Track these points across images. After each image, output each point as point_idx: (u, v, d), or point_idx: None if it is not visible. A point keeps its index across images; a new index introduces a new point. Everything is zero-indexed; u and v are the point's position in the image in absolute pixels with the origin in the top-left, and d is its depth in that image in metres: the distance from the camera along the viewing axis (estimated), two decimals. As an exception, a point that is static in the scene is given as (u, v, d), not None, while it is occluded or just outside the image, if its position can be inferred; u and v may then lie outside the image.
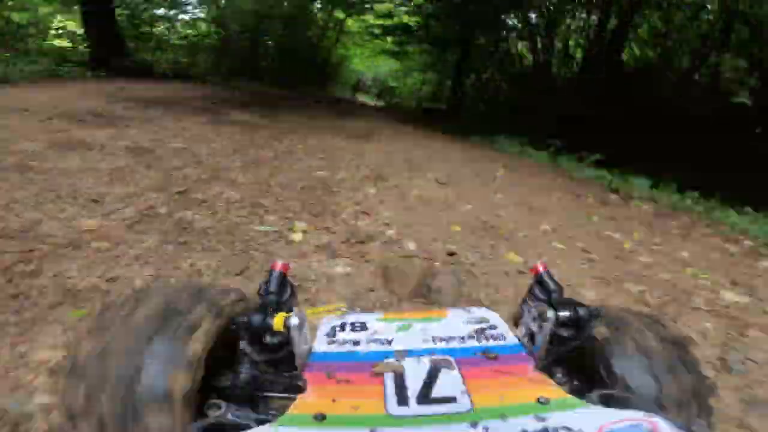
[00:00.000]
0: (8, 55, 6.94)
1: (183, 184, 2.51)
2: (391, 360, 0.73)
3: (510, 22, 10.62)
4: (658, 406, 0.66)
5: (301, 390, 0.67)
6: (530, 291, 0.92)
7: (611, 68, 7.87)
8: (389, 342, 0.80)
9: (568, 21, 9.47)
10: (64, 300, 1.33)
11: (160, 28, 12.06)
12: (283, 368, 0.75)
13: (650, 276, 2.20)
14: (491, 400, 0.63)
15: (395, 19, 13.82)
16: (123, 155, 2.86)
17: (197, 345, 0.63)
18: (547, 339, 0.76)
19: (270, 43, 14.28)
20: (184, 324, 0.64)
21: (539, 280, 0.94)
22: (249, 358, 0.75)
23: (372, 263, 1.87)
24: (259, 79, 12.26)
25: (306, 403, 0.63)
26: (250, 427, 0.56)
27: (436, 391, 0.65)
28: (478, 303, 1.66)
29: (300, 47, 14.35)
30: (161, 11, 11.90)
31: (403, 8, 13.45)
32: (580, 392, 0.67)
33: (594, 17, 8.63)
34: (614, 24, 8.03)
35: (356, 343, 0.80)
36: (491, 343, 0.80)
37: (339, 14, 15.48)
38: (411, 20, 13.40)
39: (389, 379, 0.68)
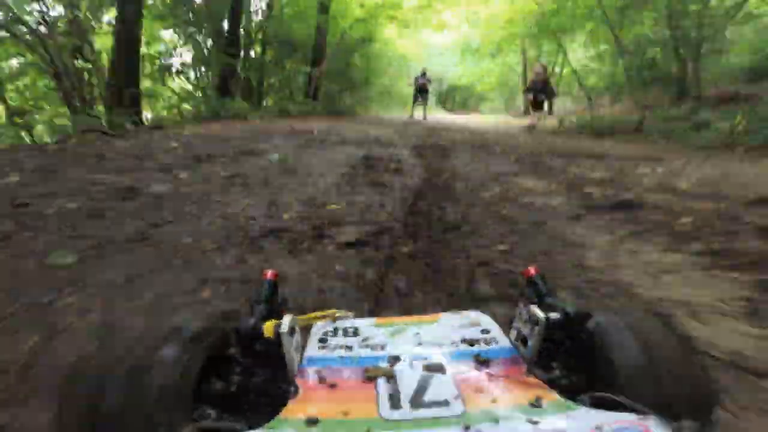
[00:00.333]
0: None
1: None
2: (384, 364, 0.73)
3: None
4: (658, 404, 0.65)
5: (293, 395, 0.66)
6: (522, 294, 0.93)
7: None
8: (382, 347, 0.79)
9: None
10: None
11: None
12: (274, 375, 0.75)
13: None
14: (484, 404, 0.63)
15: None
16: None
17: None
18: (539, 342, 0.76)
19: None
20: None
21: (531, 283, 0.95)
22: (240, 365, 0.74)
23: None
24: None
25: (298, 407, 0.62)
26: None
27: (429, 395, 0.65)
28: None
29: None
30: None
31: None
32: (573, 394, 0.67)
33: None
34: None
35: (348, 348, 0.79)
36: (483, 346, 0.80)
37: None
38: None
39: (382, 384, 0.68)
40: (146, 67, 9.92)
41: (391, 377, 0.69)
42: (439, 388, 0.66)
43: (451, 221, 2.40)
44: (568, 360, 0.79)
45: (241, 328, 0.75)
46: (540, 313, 0.77)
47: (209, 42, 10.62)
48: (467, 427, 0.56)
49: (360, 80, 15.25)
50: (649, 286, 1.53)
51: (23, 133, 7.58)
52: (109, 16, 9.19)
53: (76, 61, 8.23)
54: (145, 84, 9.70)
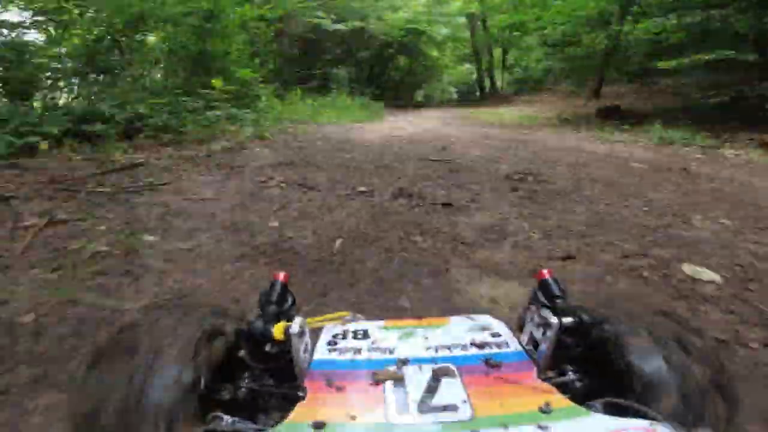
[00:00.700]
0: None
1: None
2: (392, 368, 0.73)
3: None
4: (677, 406, 0.63)
5: (301, 399, 0.67)
6: (534, 297, 0.91)
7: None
8: (391, 350, 0.79)
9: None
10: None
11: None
12: (283, 377, 0.75)
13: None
14: (493, 409, 0.62)
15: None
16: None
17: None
18: (551, 346, 0.75)
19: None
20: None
21: (543, 286, 0.93)
22: (249, 367, 0.75)
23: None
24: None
25: (305, 411, 0.62)
26: None
27: (437, 400, 0.64)
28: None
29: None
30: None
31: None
32: (585, 400, 0.66)
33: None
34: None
35: (357, 351, 0.79)
36: (494, 350, 0.79)
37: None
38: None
39: (390, 387, 0.67)
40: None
41: (399, 381, 0.69)
42: (448, 392, 0.66)
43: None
44: (581, 365, 0.78)
45: (252, 329, 0.76)
46: (552, 317, 0.75)
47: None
48: None
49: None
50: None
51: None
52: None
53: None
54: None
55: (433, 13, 17.82)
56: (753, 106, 8.10)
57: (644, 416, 0.56)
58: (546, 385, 0.69)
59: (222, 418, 0.64)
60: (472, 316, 0.94)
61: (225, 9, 6.88)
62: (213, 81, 5.98)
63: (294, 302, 0.88)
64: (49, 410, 1.18)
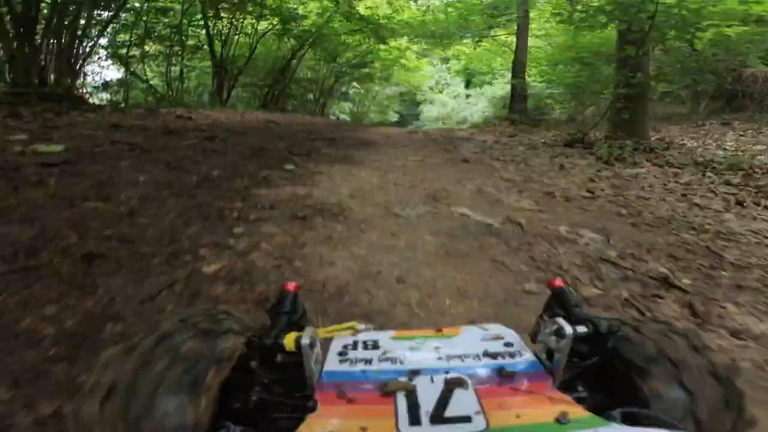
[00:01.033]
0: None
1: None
2: (404, 379, 0.72)
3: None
4: (692, 421, 0.62)
5: (312, 410, 0.66)
6: (548, 306, 0.89)
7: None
8: (401, 360, 0.78)
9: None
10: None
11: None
12: (294, 388, 0.75)
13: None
14: (507, 420, 0.60)
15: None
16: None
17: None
18: (565, 356, 0.73)
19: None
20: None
21: (557, 295, 0.91)
22: (260, 378, 0.74)
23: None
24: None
25: (316, 423, 0.62)
26: None
27: (450, 411, 0.63)
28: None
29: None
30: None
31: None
32: (602, 410, 0.64)
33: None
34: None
35: (368, 361, 0.79)
36: (507, 360, 0.77)
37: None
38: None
39: (401, 399, 0.66)
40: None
41: (410, 392, 0.68)
42: (461, 403, 0.64)
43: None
44: (597, 375, 0.76)
45: (263, 340, 0.76)
46: (567, 327, 0.74)
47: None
48: None
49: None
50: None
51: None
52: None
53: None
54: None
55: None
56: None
57: (664, 426, 0.54)
58: (562, 395, 0.67)
59: (231, 429, 0.64)
60: (485, 326, 0.92)
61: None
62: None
63: (305, 313, 0.88)
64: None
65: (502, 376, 0.73)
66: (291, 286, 0.89)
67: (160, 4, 10.46)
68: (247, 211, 2.87)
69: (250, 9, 11.49)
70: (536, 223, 3.08)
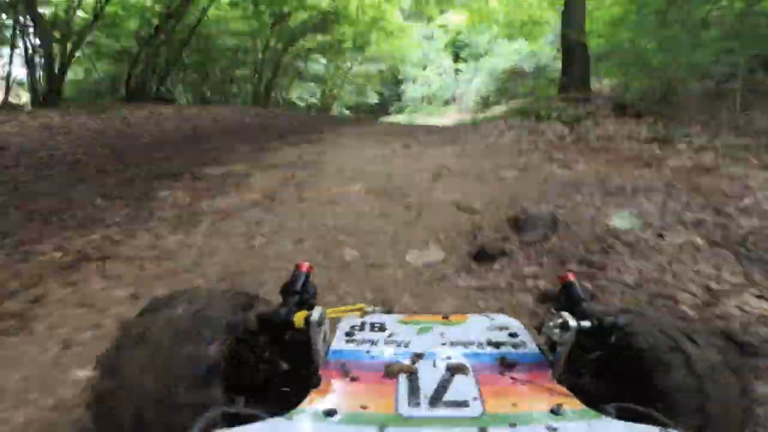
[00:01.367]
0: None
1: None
2: (407, 361, 0.74)
3: None
4: (701, 416, 0.63)
5: (315, 385, 0.69)
6: (557, 299, 0.90)
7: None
8: (406, 344, 0.80)
9: None
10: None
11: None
12: (300, 364, 0.78)
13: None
14: (504, 407, 0.62)
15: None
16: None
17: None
18: (568, 348, 0.74)
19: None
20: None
21: (566, 289, 0.91)
22: (268, 352, 0.78)
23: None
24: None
25: (319, 398, 0.65)
26: (263, 419, 0.58)
27: (449, 395, 0.65)
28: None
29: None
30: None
31: None
32: (601, 403, 0.65)
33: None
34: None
35: (374, 343, 0.81)
36: (510, 350, 0.79)
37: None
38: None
39: (402, 380, 0.69)
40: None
41: (412, 374, 0.70)
42: (460, 388, 0.66)
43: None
44: (599, 368, 0.77)
45: (274, 316, 0.79)
46: (571, 320, 0.74)
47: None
48: (483, 430, 0.55)
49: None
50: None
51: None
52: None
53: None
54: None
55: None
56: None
57: (657, 423, 0.54)
58: (560, 387, 0.68)
59: (238, 401, 0.67)
60: (491, 315, 0.93)
61: None
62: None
63: (315, 293, 0.91)
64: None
65: (503, 365, 0.74)
66: (304, 266, 0.92)
67: None
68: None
69: None
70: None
